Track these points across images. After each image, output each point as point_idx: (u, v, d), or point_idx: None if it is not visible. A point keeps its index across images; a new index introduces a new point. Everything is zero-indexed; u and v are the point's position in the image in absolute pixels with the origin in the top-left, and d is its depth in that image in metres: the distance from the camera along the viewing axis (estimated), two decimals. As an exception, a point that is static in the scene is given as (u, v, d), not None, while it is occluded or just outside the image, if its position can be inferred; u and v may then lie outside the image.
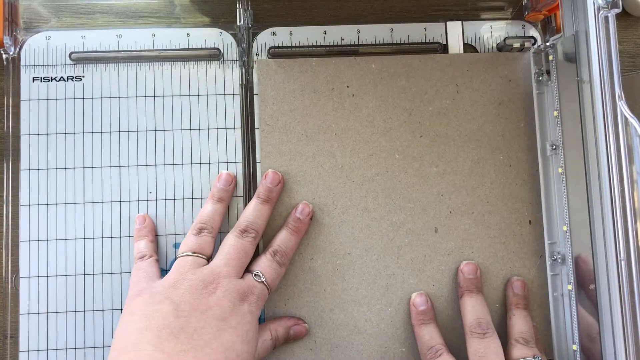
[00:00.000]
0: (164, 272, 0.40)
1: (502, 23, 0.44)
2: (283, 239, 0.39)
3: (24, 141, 0.41)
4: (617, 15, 0.35)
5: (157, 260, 0.39)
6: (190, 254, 0.37)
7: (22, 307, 0.40)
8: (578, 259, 0.37)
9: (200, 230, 0.38)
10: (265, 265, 0.38)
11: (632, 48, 0.46)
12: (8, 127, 0.41)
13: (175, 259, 0.38)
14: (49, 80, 0.42)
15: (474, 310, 0.38)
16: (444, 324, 0.40)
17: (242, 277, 0.37)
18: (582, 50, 0.36)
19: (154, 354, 0.31)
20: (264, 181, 0.40)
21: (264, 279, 0.37)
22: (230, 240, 0.37)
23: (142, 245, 0.39)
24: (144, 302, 0.34)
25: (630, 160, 0.34)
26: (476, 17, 0.44)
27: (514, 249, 0.41)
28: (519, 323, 0.38)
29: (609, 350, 0.34)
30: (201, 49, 0.42)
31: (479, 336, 0.36)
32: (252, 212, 0.39)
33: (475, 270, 0.40)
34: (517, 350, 0.36)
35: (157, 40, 0.42)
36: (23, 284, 0.40)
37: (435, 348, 0.37)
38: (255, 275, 0.37)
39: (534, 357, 0.36)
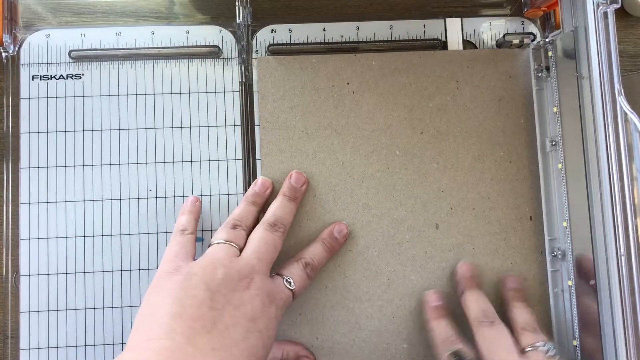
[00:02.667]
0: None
1: (501, 20, 0.44)
2: (316, 253, 0.39)
3: (23, 139, 0.41)
4: (617, 15, 0.35)
5: (196, 239, 0.38)
6: (223, 241, 0.36)
7: (23, 305, 0.40)
8: (578, 254, 0.38)
9: (234, 226, 0.37)
10: (296, 273, 0.37)
11: (632, 48, 0.46)
12: (8, 125, 0.41)
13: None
14: (49, 79, 0.41)
15: (477, 302, 0.38)
16: (445, 320, 0.40)
17: (271, 277, 0.36)
18: (582, 46, 0.36)
19: (186, 349, 0.30)
20: (289, 180, 0.40)
21: (293, 287, 0.36)
22: (260, 233, 0.37)
23: (185, 220, 0.39)
24: (179, 285, 0.33)
25: (630, 156, 0.34)
26: (475, 14, 0.44)
27: (515, 245, 0.41)
28: (522, 314, 0.38)
29: (610, 346, 0.35)
30: (201, 46, 0.42)
31: (488, 325, 0.36)
32: (279, 208, 0.38)
33: (472, 268, 0.40)
34: (526, 338, 0.36)
35: (157, 38, 0.42)
36: (23, 282, 0.40)
37: (451, 339, 0.37)
38: (286, 280, 0.36)
39: (544, 343, 0.35)
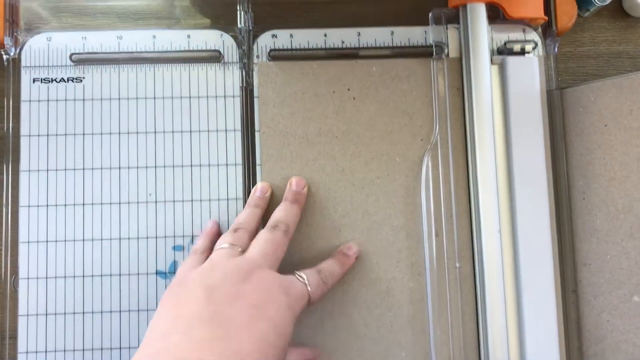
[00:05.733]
0: (162, 274, 0.40)
1: (502, 27, 0.44)
2: (330, 263, 0.39)
3: (24, 142, 0.41)
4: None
5: (207, 257, 0.38)
6: (226, 245, 0.36)
7: (21, 309, 0.40)
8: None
9: (236, 229, 0.38)
10: (310, 275, 0.37)
11: (633, 49, 0.45)
12: (8, 127, 0.41)
13: (175, 261, 0.37)
14: (50, 82, 0.41)
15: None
16: (444, 330, 0.40)
17: (283, 274, 0.36)
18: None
19: (181, 344, 0.30)
20: (290, 188, 0.40)
21: (306, 281, 0.36)
22: (263, 234, 0.37)
23: (202, 243, 0.39)
24: (177, 296, 0.33)
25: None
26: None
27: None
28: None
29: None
30: (202, 50, 0.42)
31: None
32: (281, 211, 0.39)
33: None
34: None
35: (158, 41, 0.42)
36: (22, 285, 0.40)
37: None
38: (298, 276, 0.36)
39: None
